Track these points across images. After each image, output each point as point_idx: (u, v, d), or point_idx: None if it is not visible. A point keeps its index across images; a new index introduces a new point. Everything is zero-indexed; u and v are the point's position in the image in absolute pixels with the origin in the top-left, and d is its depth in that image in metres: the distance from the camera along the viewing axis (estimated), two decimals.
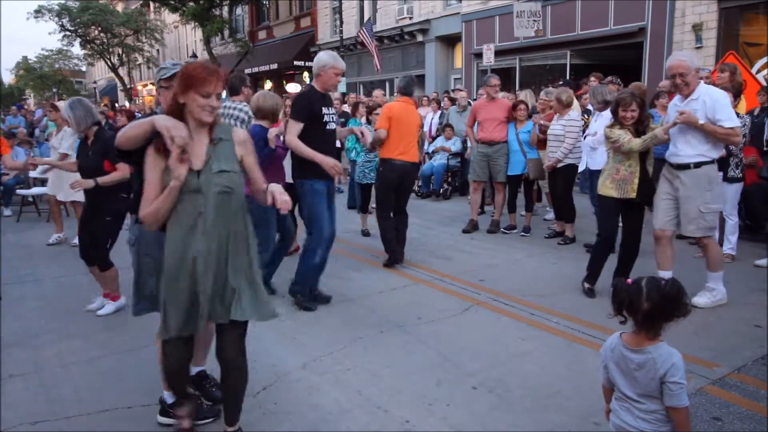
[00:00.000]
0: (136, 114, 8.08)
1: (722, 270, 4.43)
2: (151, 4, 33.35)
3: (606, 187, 4.64)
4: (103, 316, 4.43)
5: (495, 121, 6.82)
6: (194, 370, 3.09)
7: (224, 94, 6.25)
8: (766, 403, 2.98)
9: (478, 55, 15.92)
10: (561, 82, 9.80)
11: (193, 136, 2.38)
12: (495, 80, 7.01)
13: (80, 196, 5.73)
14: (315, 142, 4.31)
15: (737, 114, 5.40)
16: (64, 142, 6.33)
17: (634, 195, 4.45)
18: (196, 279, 2.38)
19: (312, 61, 4.67)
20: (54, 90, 46.34)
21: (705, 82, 4.44)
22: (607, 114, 5.75)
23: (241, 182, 2.49)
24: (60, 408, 3.05)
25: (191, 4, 23.95)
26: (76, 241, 6.11)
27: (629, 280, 1.97)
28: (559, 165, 6.31)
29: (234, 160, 2.46)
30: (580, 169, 6.16)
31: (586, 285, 4.75)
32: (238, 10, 29.30)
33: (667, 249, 4.42)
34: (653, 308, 1.89)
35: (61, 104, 7.45)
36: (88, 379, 3.39)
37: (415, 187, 9.91)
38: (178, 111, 2.38)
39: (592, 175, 6.05)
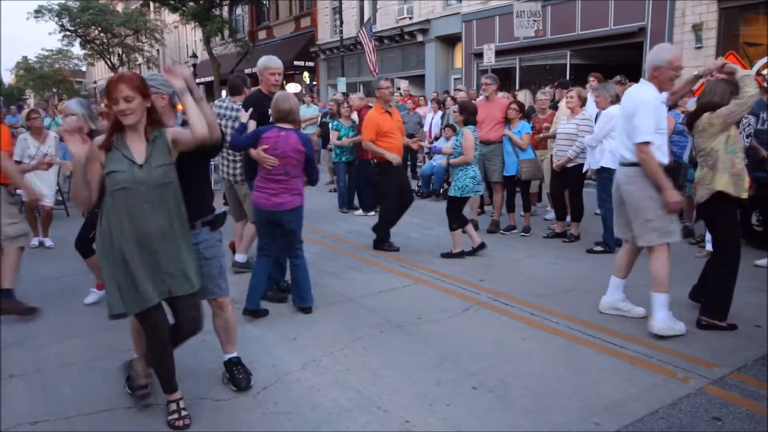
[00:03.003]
0: None
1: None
2: (151, 4, 33.41)
3: (727, 183, 3.78)
4: (89, 305, 4.68)
5: (493, 121, 6.80)
6: (225, 356, 3.29)
7: (224, 93, 6.29)
8: (766, 403, 2.98)
9: (478, 55, 15.93)
10: (557, 83, 9.77)
11: (130, 136, 2.71)
12: (485, 79, 7.08)
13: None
14: None
15: None
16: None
17: (746, 195, 3.77)
18: (151, 259, 2.70)
19: (312, 61, 4.67)
20: (54, 90, 46.34)
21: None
22: (613, 111, 5.72)
23: (174, 172, 2.78)
24: (60, 408, 3.05)
25: (191, 4, 23.96)
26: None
27: None
28: (570, 165, 6.20)
29: (168, 153, 2.76)
30: (585, 168, 6.10)
31: (725, 323, 3.89)
32: (238, 10, 29.32)
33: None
34: None
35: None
36: (88, 379, 3.39)
37: (415, 187, 9.94)
38: (116, 119, 2.68)
39: (600, 174, 5.99)
